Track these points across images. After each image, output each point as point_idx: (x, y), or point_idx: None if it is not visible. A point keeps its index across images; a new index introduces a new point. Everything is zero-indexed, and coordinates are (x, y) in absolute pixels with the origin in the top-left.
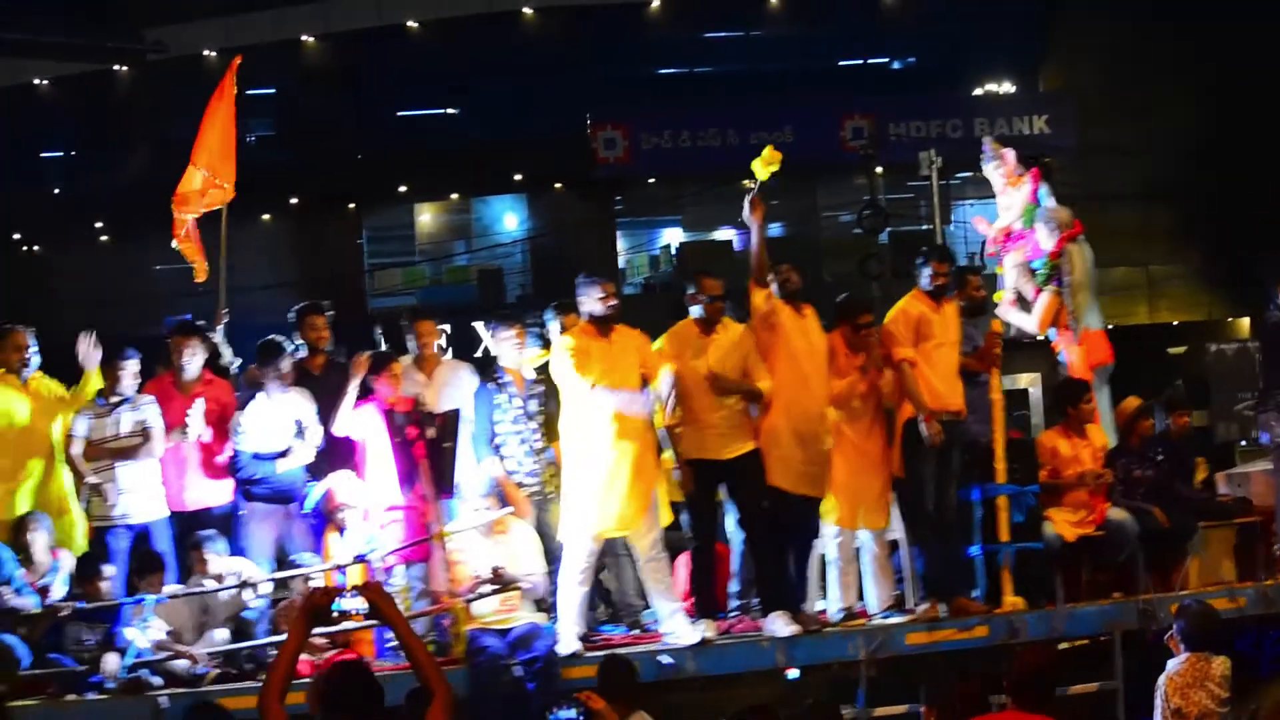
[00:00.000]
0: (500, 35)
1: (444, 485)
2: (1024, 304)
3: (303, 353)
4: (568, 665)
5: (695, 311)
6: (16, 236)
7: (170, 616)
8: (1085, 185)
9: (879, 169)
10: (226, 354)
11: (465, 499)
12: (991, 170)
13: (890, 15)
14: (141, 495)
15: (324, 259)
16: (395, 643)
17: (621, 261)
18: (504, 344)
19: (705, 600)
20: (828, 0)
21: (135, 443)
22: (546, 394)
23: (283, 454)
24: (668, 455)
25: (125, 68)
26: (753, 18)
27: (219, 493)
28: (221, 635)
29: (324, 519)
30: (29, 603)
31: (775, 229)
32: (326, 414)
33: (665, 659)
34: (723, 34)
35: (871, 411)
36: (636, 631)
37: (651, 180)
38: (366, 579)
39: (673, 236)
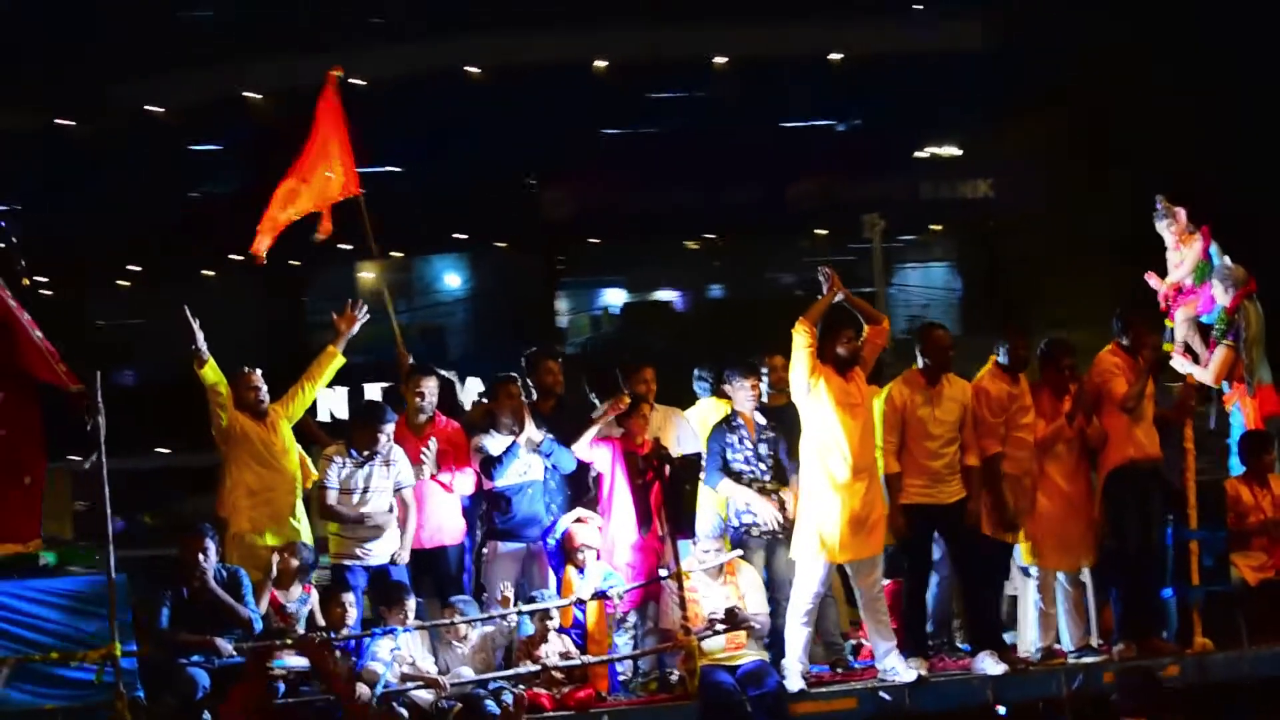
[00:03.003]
0: (445, 93)
1: (682, 526)
2: (1193, 356)
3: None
4: (795, 701)
5: (921, 363)
6: None
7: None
8: (1029, 248)
9: (822, 231)
10: (460, 392)
11: (697, 540)
12: (1163, 228)
13: (836, 78)
14: (381, 539)
15: (266, 316)
16: (626, 675)
17: (563, 321)
18: (740, 391)
19: (915, 639)
20: (774, 62)
21: (386, 509)
22: (776, 438)
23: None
24: None
25: (73, 122)
26: (699, 79)
27: (454, 530)
28: (467, 672)
29: (563, 557)
30: (245, 615)
31: (715, 290)
32: None
33: (884, 695)
34: (668, 94)
35: (1076, 455)
36: (840, 670)
37: (594, 240)
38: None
39: (614, 296)
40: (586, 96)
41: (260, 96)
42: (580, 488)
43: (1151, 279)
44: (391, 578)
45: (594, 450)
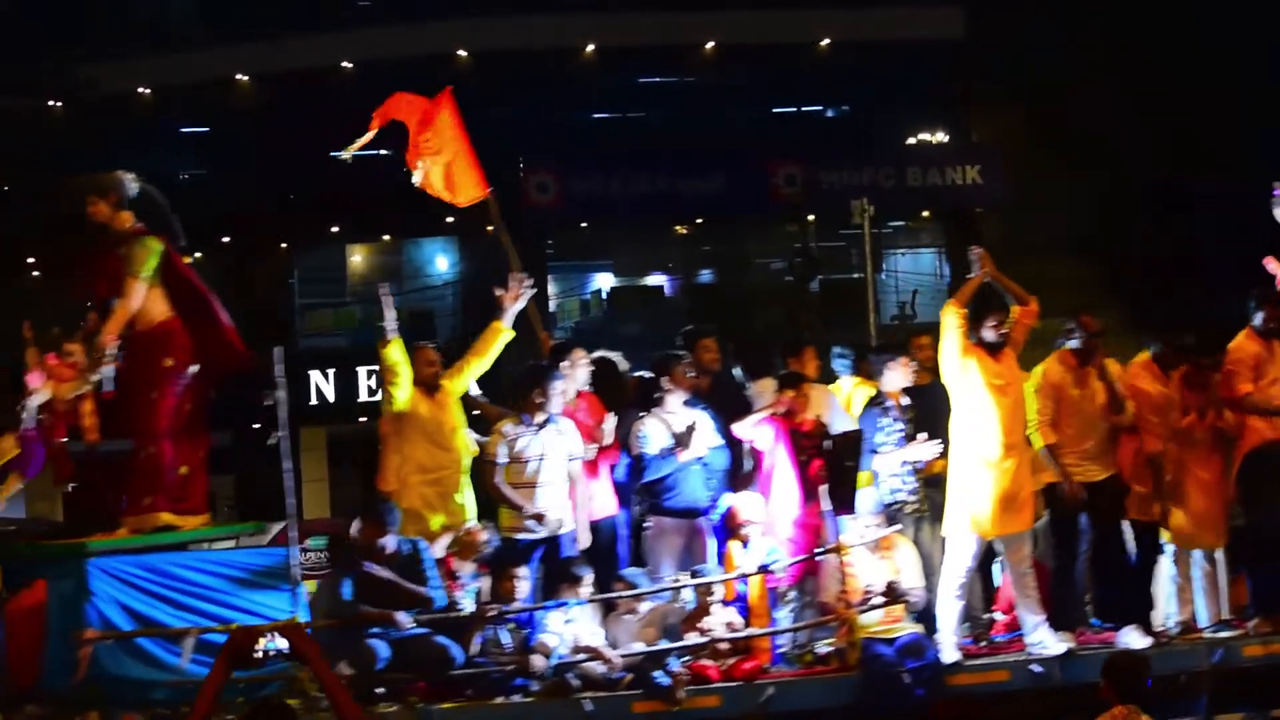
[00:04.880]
0: (434, 77)
1: (844, 502)
2: None
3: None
4: (951, 673)
5: (1073, 344)
6: None
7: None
8: (1014, 236)
9: (810, 217)
10: (621, 363)
11: (856, 515)
12: None
13: (824, 63)
14: (553, 504)
15: (255, 298)
16: (785, 647)
17: (552, 305)
18: (893, 371)
19: (1064, 613)
20: (761, 47)
21: (562, 478)
22: (920, 417)
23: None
24: None
25: (56, 103)
26: (686, 64)
27: (606, 504)
28: (636, 644)
29: (727, 532)
30: (430, 596)
31: (705, 275)
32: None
33: (1036, 668)
34: (656, 79)
35: (1210, 442)
36: (984, 643)
37: (583, 224)
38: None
39: (604, 281)
40: (575, 81)
41: (247, 79)
42: (738, 464)
43: (1271, 264)
44: (562, 551)
45: (757, 429)
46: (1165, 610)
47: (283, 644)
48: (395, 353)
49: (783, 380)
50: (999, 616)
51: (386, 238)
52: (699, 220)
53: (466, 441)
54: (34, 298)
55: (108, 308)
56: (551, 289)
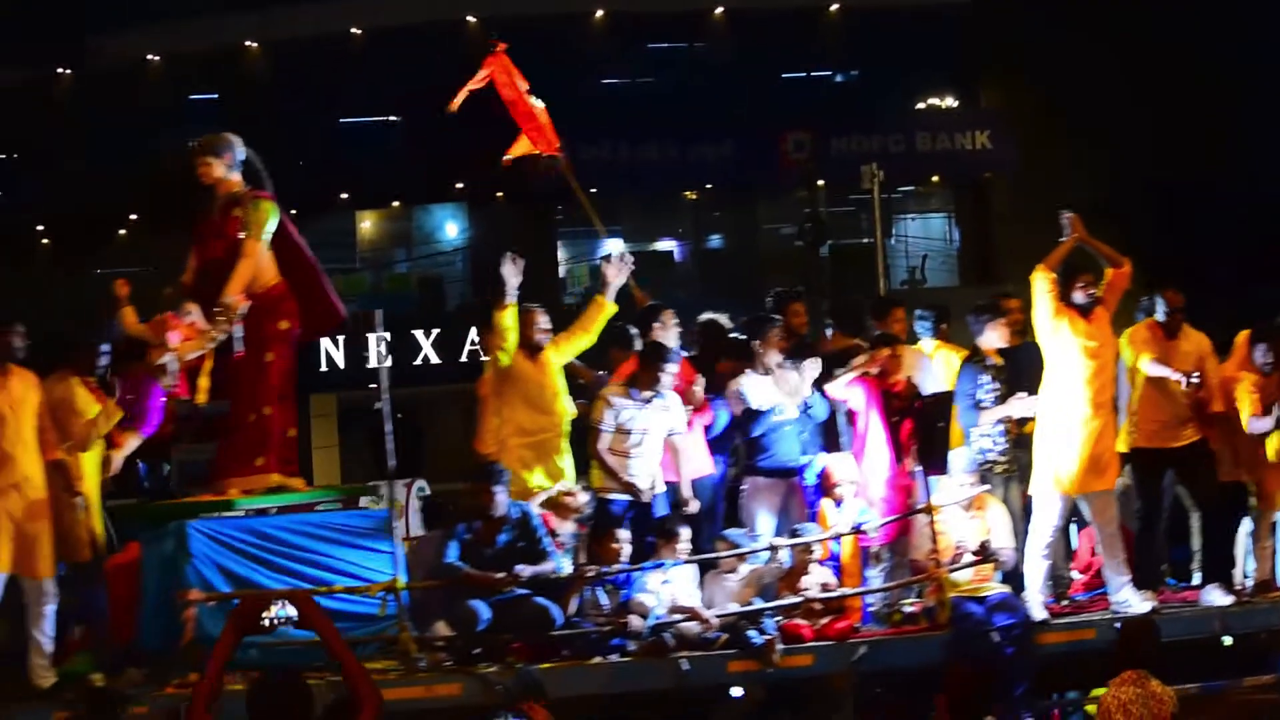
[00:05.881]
0: (443, 44)
1: (935, 462)
2: None
3: None
4: (1040, 632)
5: (1159, 315)
6: None
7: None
8: (1023, 202)
9: (820, 182)
10: (727, 324)
11: (949, 475)
12: None
13: (833, 29)
14: (646, 473)
15: None
16: (876, 606)
17: (562, 271)
18: (993, 330)
19: (1147, 573)
20: (770, 13)
21: (659, 451)
22: (1011, 378)
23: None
24: None
25: (66, 71)
26: (695, 30)
27: (701, 464)
28: (732, 604)
29: (821, 492)
30: (549, 567)
31: (715, 241)
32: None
33: (1121, 626)
34: (665, 45)
35: None
36: (1065, 603)
37: (592, 190)
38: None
39: (613, 247)
40: (584, 47)
41: (257, 45)
42: (832, 425)
43: None
44: (654, 512)
45: (849, 389)
46: (1244, 568)
47: (292, 612)
48: (509, 318)
49: (876, 341)
50: (1077, 575)
51: (396, 204)
52: (708, 186)
53: (566, 406)
54: (43, 269)
55: (216, 268)
56: (561, 255)
